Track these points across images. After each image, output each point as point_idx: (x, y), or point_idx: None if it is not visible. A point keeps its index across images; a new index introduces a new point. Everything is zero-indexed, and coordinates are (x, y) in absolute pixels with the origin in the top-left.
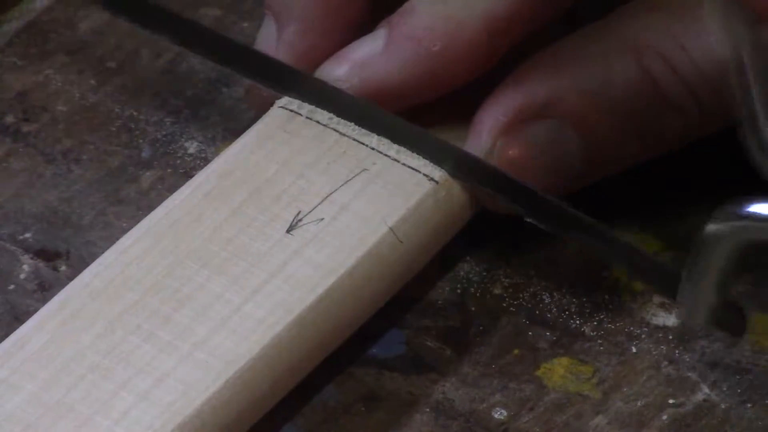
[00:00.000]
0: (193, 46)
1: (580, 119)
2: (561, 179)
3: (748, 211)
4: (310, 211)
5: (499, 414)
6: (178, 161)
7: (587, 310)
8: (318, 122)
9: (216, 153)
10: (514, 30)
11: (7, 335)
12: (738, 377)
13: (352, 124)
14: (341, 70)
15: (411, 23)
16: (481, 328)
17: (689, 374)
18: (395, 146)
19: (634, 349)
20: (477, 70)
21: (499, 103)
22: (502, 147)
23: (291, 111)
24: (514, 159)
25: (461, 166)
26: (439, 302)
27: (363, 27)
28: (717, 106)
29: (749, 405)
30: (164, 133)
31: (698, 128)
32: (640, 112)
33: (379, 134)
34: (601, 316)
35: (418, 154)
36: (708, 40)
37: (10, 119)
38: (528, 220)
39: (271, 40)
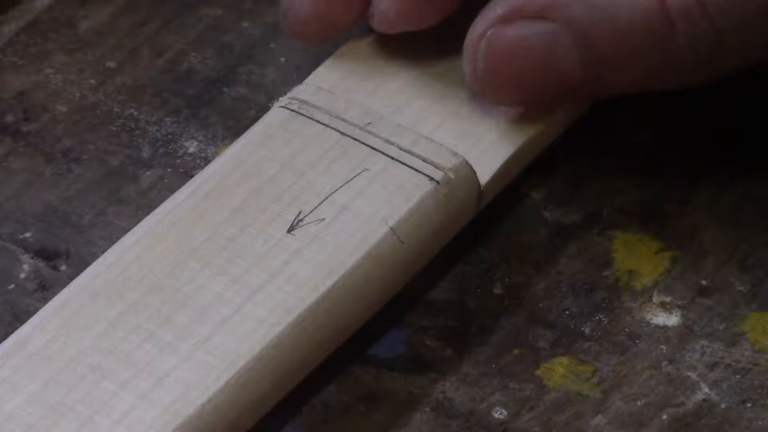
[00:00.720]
0: None
1: (580, 31)
2: (558, 88)
3: None
4: (311, 211)
5: (499, 414)
6: (178, 161)
7: (587, 310)
8: (319, 122)
9: (216, 153)
10: None
11: (7, 335)
12: (738, 377)
13: (353, 123)
14: None
15: None
16: (481, 328)
17: (689, 374)
18: (396, 146)
19: (634, 349)
20: None
21: (500, 2)
22: (494, 32)
23: (292, 110)
24: (506, 45)
25: None
26: (439, 302)
27: None
28: (738, 37)
29: (749, 405)
30: (164, 132)
31: (713, 62)
32: (646, 36)
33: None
34: (601, 316)
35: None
36: None
37: (10, 119)
38: None
39: None
